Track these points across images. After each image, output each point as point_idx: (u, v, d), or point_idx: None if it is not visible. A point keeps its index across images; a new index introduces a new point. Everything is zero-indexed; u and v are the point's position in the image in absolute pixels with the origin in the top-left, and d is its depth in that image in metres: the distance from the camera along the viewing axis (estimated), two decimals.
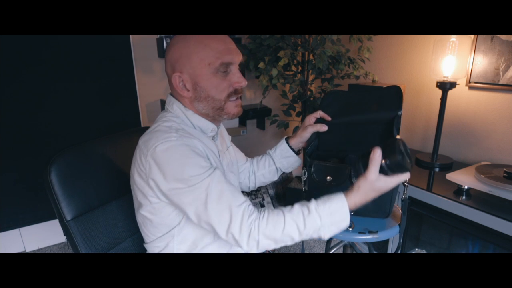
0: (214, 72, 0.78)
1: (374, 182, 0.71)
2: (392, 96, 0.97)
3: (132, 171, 0.81)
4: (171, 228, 0.82)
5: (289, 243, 0.73)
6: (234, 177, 0.97)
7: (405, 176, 0.72)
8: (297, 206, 0.74)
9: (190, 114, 0.83)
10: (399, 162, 0.68)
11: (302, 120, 1.81)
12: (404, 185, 0.92)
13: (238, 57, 0.81)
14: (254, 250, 0.72)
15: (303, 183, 0.95)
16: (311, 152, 0.98)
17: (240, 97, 0.86)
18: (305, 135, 1.00)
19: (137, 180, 0.79)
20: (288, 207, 0.74)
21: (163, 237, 0.83)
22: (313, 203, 0.74)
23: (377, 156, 0.70)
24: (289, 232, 0.71)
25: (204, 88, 0.79)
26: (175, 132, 0.76)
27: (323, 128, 0.98)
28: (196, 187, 0.71)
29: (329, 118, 0.98)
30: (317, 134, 1.00)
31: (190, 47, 0.77)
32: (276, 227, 0.71)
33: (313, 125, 0.99)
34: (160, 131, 0.76)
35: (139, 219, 0.86)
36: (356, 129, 1.01)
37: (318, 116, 1.00)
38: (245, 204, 0.73)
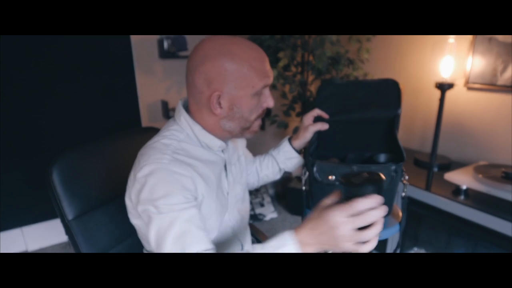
0: (254, 94, 0.75)
1: (323, 209, 0.57)
2: (390, 92, 0.96)
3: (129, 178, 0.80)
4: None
5: None
6: (241, 188, 0.94)
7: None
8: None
9: (197, 129, 0.78)
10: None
11: None
12: (404, 184, 0.93)
13: (272, 78, 0.78)
14: None
15: (303, 183, 0.94)
16: (313, 152, 0.97)
17: None
18: (308, 135, 0.98)
19: (127, 189, 0.78)
20: None
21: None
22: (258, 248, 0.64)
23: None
24: None
25: (241, 109, 0.76)
26: (170, 154, 0.72)
27: (325, 126, 0.96)
28: (163, 216, 0.67)
29: (326, 116, 0.97)
30: (317, 133, 0.99)
31: (236, 66, 0.71)
32: None
33: (313, 125, 0.97)
34: (156, 148, 0.74)
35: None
36: (356, 128, 1.00)
37: (315, 115, 0.99)
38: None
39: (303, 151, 1.04)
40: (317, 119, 0.99)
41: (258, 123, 0.82)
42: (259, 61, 0.73)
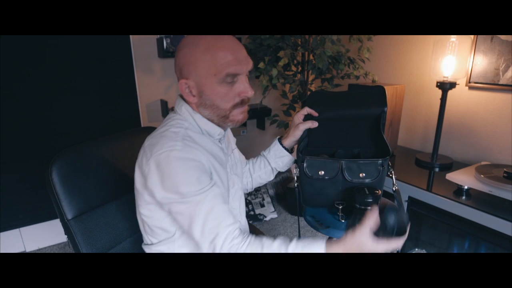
0: (220, 82, 0.77)
1: (362, 243, 0.69)
2: (377, 94, 1.00)
3: (135, 169, 0.81)
4: (170, 235, 0.82)
5: None
6: (238, 179, 0.97)
7: (397, 243, 0.70)
8: (277, 243, 0.72)
9: (198, 118, 0.82)
10: (393, 229, 0.71)
11: None
12: (391, 177, 0.95)
13: (246, 66, 0.79)
14: None
15: (295, 179, 0.98)
16: (303, 149, 1.01)
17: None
18: (298, 133, 1.00)
19: (137, 179, 0.79)
20: (270, 240, 0.73)
21: (162, 242, 0.84)
22: (292, 245, 0.72)
23: (372, 218, 0.70)
24: None
25: (210, 97, 0.79)
26: (181, 140, 0.75)
27: (314, 124, 0.99)
28: (188, 201, 0.72)
29: (316, 114, 1.00)
30: (307, 131, 1.02)
31: (197, 55, 0.76)
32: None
33: (304, 123, 1.00)
34: (166, 137, 0.76)
35: (139, 219, 0.87)
36: (344, 125, 1.04)
37: (306, 113, 1.01)
38: (233, 226, 0.73)
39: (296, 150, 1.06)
40: (307, 117, 1.02)
41: (238, 112, 0.82)
42: (223, 50, 0.75)
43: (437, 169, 1.60)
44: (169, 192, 0.72)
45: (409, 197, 1.46)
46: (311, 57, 1.99)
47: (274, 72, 1.87)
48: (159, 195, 0.73)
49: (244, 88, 0.79)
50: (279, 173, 1.14)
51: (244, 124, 2.53)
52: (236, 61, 0.76)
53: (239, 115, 0.83)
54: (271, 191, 2.64)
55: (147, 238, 0.87)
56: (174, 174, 0.71)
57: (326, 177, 0.93)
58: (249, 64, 0.80)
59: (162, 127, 0.81)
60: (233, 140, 1.05)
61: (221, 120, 0.83)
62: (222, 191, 0.82)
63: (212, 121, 0.83)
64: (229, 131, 1.01)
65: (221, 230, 0.71)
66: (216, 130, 0.84)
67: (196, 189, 0.71)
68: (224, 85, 0.77)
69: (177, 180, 0.71)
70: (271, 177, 1.11)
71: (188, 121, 0.82)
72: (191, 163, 0.73)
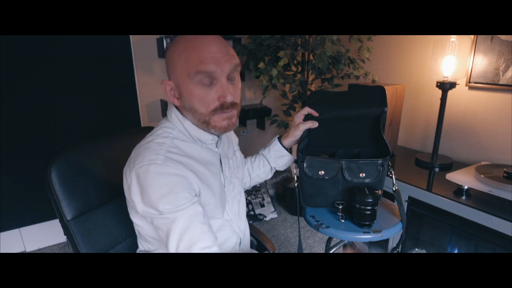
0: (195, 83, 0.72)
1: None
2: (377, 95, 1.00)
3: (123, 177, 0.80)
4: (163, 244, 0.81)
5: None
6: (239, 182, 0.96)
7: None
8: None
9: (188, 125, 0.79)
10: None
11: None
12: (391, 177, 0.95)
13: (224, 66, 0.72)
14: None
15: (295, 179, 0.98)
16: (303, 149, 1.01)
17: (236, 108, 0.79)
18: (298, 133, 1.00)
19: (125, 187, 0.79)
20: None
21: (157, 250, 0.84)
22: None
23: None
24: None
25: (187, 100, 0.75)
26: (164, 154, 0.72)
27: (315, 124, 0.99)
28: (166, 217, 0.70)
29: (316, 114, 1.00)
30: (308, 131, 1.02)
31: (175, 55, 0.73)
32: None
33: (304, 123, 0.99)
34: (149, 149, 0.73)
35: (134, 226, 0.87)
36: (345, 125, 1.04)
37: (306, 113, 1.00)
38: (208, 250, 0.71)
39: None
40: (307, 117, 1.01)
41: (219, 118, 0.76)
42: (197, 50, 0.70)
43: (437, 169, 1.60)
44: (147, 207, 0.71)
45: (409, 197, 1.46)
46: (311, 57, 1.99)
47: (274, 72, 1.86)
48: (140, 208, 0.72)
49: (222, 92, 0.73)
50: (279, 173, 1.14)
51: (244, 124, 2.53)
52: (210, 59, 0.70)
53: (221, 121, 0.77)
54: (271, 191, 2.64)
55: (145, 245, 0.87)
56: (151, 189, 0.69)
57: (326, 177, 0.93)
58: (229, 63, 0.73)
59: (150, 136, 0.78)
60: (235, 140, 1.03)
61: (203, 126, 0.78)
62: (211, 206, 0.80)
63: (198, 126, 0.79)
64: (230, 132, 1.00)
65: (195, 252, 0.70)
66: (208, 137, 0.81)
67: (173, 206, 0.69)
68: (200, 87, 0.72)
69: (155, 195, 0.69)
70: (269, 176, 1.11)
71: (177, 128, 0.80)
72: (170, 179, 0.71)
